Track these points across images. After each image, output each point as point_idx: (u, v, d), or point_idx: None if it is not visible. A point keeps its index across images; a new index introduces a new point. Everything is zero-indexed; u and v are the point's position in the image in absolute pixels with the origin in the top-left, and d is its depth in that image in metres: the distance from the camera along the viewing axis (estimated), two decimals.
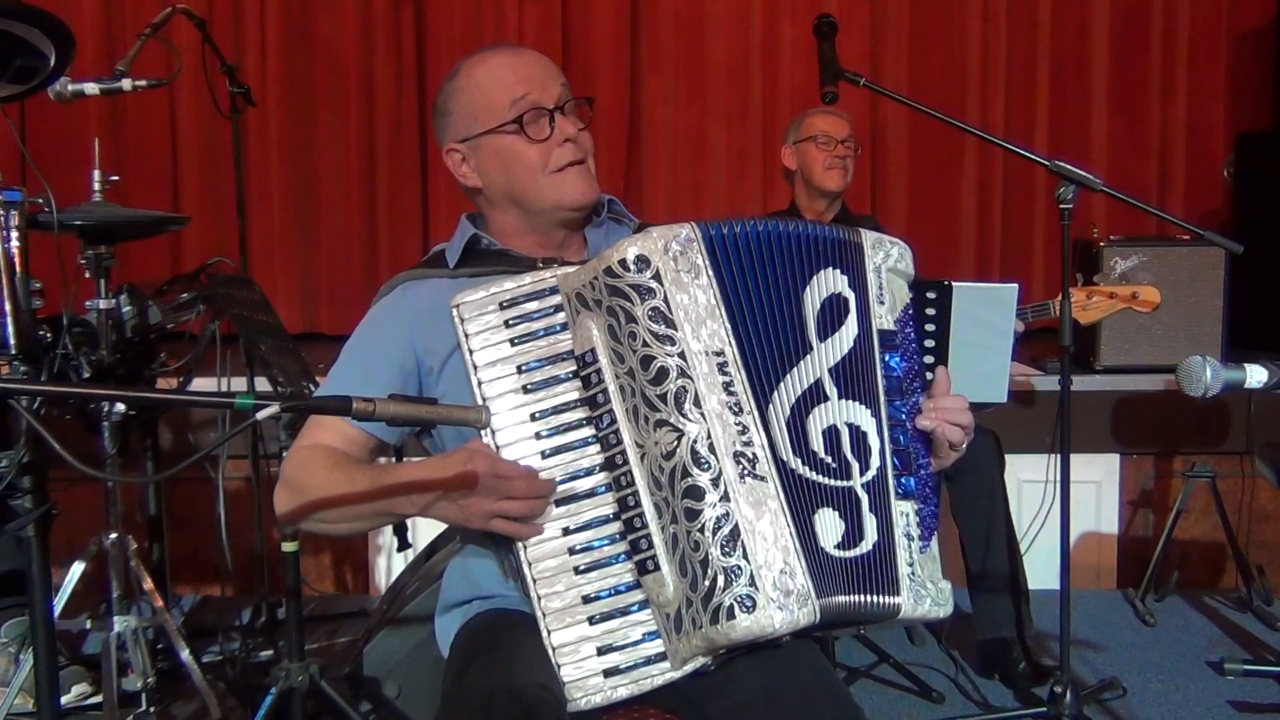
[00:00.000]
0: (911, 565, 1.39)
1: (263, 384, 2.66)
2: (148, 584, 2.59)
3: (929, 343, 1.97)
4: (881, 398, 1.43)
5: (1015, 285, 2.57)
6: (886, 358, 1.45)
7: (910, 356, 1.47)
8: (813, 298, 1.41)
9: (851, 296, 1.43)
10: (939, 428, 1.45)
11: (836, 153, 3.09)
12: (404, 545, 2.05)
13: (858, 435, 1.40)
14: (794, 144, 3.16)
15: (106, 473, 2.57)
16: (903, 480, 1.42)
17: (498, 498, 1.36)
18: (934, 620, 1.41)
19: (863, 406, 1.41)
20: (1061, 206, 2.24)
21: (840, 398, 1.40)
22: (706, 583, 1.28)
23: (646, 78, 4.60)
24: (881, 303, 1.46)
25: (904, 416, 1.44)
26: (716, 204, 4.59)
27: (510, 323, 1.41)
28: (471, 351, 1.41)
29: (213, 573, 3.42)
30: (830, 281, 1.42)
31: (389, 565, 3.58)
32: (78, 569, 2.54)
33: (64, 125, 4.01)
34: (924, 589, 1.39)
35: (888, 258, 1.48)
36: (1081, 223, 3.03)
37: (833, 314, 1.42)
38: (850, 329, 1.42)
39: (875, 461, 1.40)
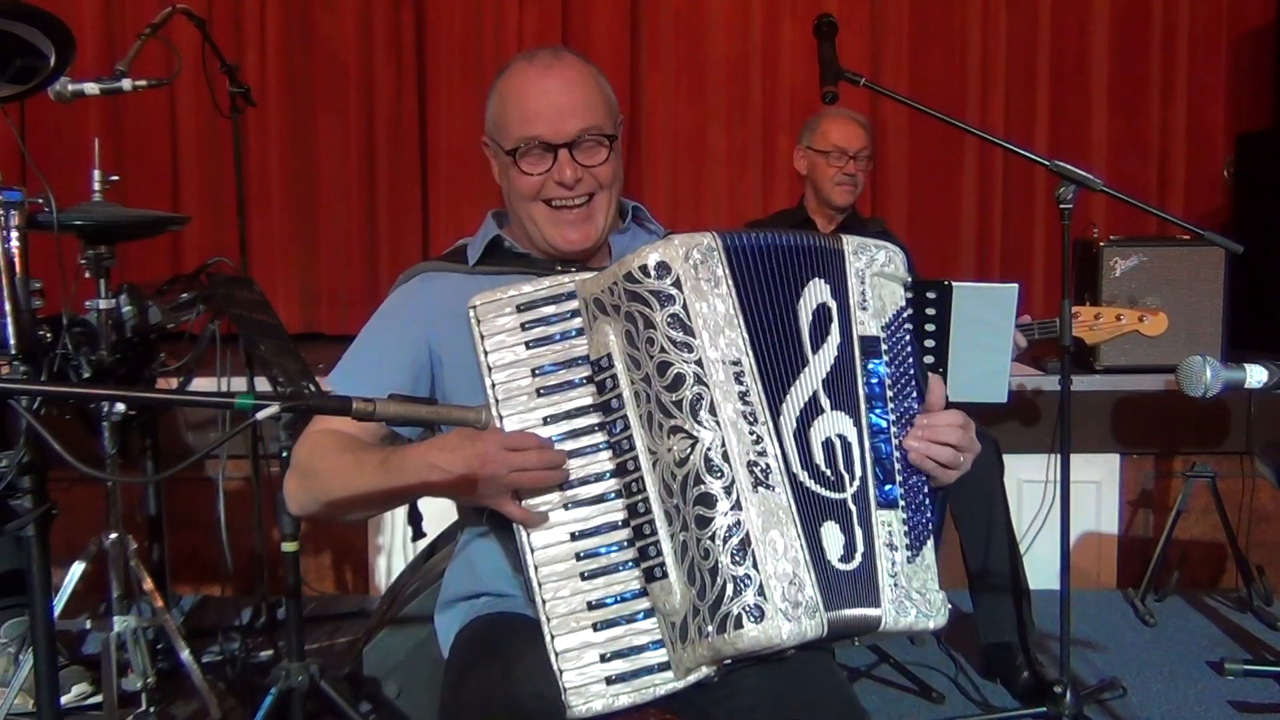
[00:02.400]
0: (894, 576, 1.36)
1: (263, 384, 2.66)
2: (148, 584, 2.58)
3: (929, 342, 1.97)
4: (862, 406, 1.41)
5: (1015, 285, 2.57)
6: (869, 364, 1.42)
7: (901, 363, 1.45)
8: (805, 309, 1.40)
9: (834, 305, 1.42)
10: (922, 449, 1.41)
11: (848, 169, 3.04)
12: (419, 535, 2.04)
13: (846, 446, 1.39)
14: (806, 148, 3.12)
15: (106, 473, 2.57)
16: (885, 489, 1.39)
17: (509, 471, 1.35)
18: (924, 632, 1.38)
19: (847, 416, 1.40)
20: (1061, 206, 2.23)
21: (832, 409, 1.39)
22: (715, 591, 1.27)
23: (646, 78, 4.60)
24: (864, 308, 1.44)
25: (886, 424, 1.42)
26: (716, 204, 4.60)
27: (526, 326, 1.41)
28: (486, 353, 1.40)
29: (213, 573, 3.42)
30: (817, 292, 1.41)
31: (389, 565, 3.58)
32: (78, 569, 2.53)
33: (64, 125, 4.01)
34: (909, 599, 1.36)
35: (873, 262, 1.46)
36: (1081, 223, 3.03)
37: (821, 325, 1.41)
38: (834, 338, 1.41)
39: (858, 472, 1.39)
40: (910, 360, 1.46)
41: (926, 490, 1.43)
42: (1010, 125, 4.58)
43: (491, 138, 1.62)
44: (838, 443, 1.38)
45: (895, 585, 1.36)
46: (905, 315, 1.47)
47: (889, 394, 1.43)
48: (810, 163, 3.11)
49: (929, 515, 1.42)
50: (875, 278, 1.46)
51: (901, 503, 1.40)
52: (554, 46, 1.64)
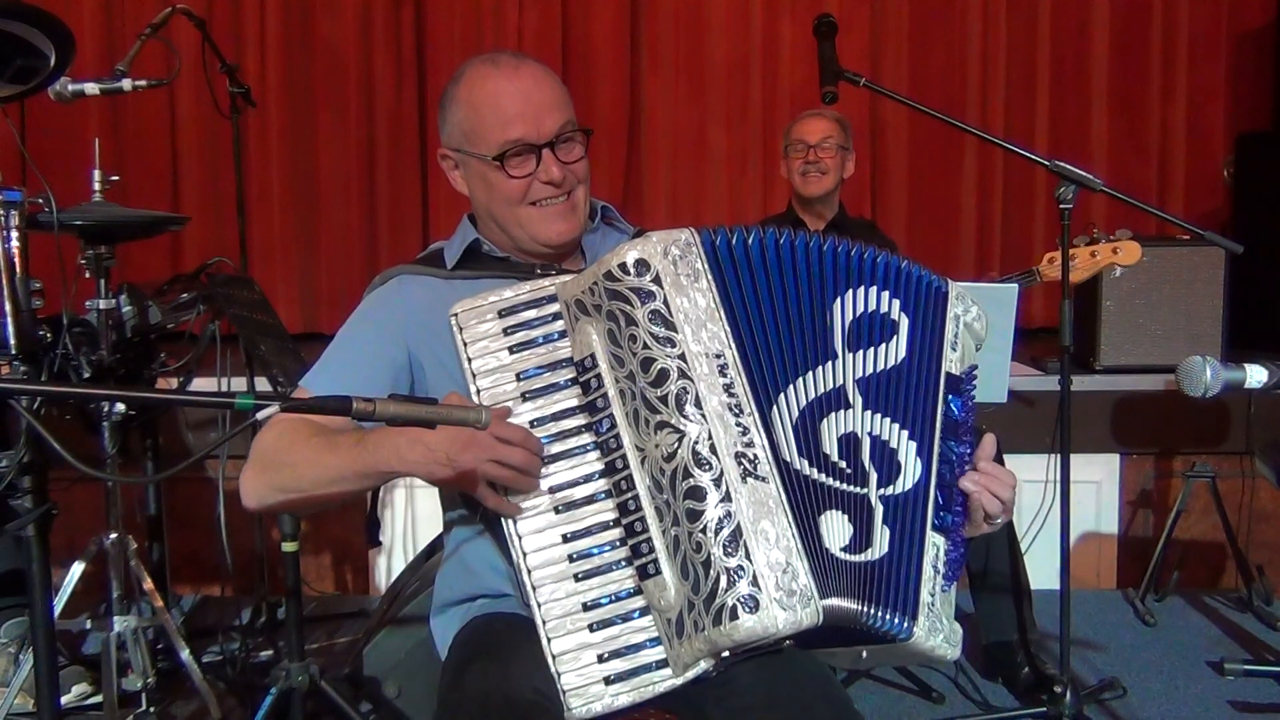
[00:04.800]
0: (933, 597, 1.39)
1: (263, 384, 2.67)
2: (148, 584, 2.58)
3: None
4: (937, 432, 1.44)
5: (1015, 285, 2.57)
6: (949, 398, 1.46)
7: (970, 411, 1.49)
8: (844, 310, 1.42)
9: (904, 321, 1.45)
10: (980, 494, 1.46)
11: (809, 158, 3.11)
12: (374, 543, 2.02)
13: (882, 449, 1.40)
14: (784, 153, 3.21)
15: (106, 473, 2.57)
16: (941, 515, 1.42)
17: (490, 459, 1.35)
18: (941, 659, 1.40)
19: (896, 425, 1.42)
20: (1061, 206, 2.24)
21: (866, 409, 1.40)
22: (709, 584, 1.28)
23: (646, 78, 4.60)
24: (954, 349, 1.49)
25: (954, 458, 1.45)
26: (716, 204, 4.59)
27: (509, 330, 1.42)
28: (470, 359, 1.41)
29: (213, 573, 3.42)
30: (872, 300, 1.44)
31: (389, 565, 3.58)
32: (78, 569, 2.53)
33: (64, 125, 4.01)
34: (940, 623, 1.39)
35: (967, 312, 1.52)
36: (1081, 223, 3.02)
37: (873, 330, 1.43)
38: (897, 350, 1.44)
39: (905, 482, 1.40)
40: (973, 411, 1.50)
41: (962, 531, 1.46)
42: (1010, 125, 4.58)
43: (458, 148, 1.60)
44: (867, 442, 1.40)
45: (932, 607, 1.38)
46: (976, 371, 1.53)
47: (962, 432, 1.47)
48: (785, 164, 3.20)
49: (961, 551, 1.46)
50: (964, 328, 1.52)
51: (951, 531, 1.43)
52: (507, 50, 1.64)
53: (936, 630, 1.38)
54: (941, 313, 1.49)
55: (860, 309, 1.43)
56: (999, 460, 1.52)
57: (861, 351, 1.42)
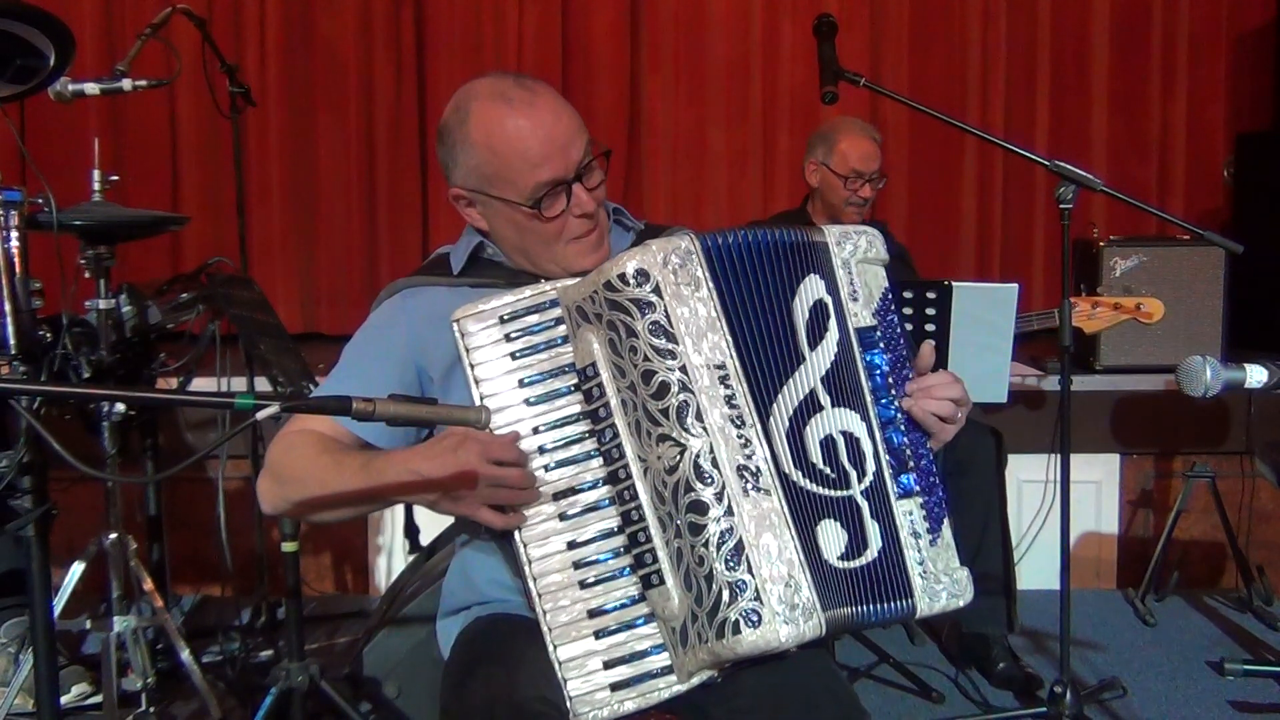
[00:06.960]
0: (922, 564, 1.39)
1: (263, 384, 2.67)
2: (148, 584, 2.58)
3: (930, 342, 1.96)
4: (868, 399, 1.42)
5: (1015, 285, 2.57)
6: (868, 357, 1.43)
7: (894, 347, 1.45)
8: (801, 306, 1.40)
9: (830, 301, 1.42)
10: (917, 407, 1.43)
11: (862, 193, 3.04)
12: (415, 548, 2.03)
13: (852, 442, 1.39)
14: (821, 164, 3.10)
15: (106, 473, 2.57)
16: (901, 480, 1.41)
17: (487, 485, 1.35)
18: (956, 610, 1.41)
19: (852, 412, 1.40)
20: (1061, 206, 2.24)
21: (833, 406, 1.39)
22: (711, 598, 1.28)
23: (646, 78, 4.59)
24: (855, 299, 1.44)
25: (894, 414, 1.43)
26: (717, 205, 4.59)
27: (511, 336, 1.41)
28: (473, 366, 1.41)
29: (213, 573, 3.42)
30: (813, 288, 1.41)
31: (389, 565, 3.58)
32: (78, 569, 2.53)
33: (64, 125, 4.00)
34: (938, 583, 1.39)
35: (856, 250, 1.45)
36: (1081, 223, 3.03)
37: (818, 321, 1.41)
38: (833, 334, 1.41)
39: (871, 466, 1.39)
40: (902, 341, 1.47)
41: (935, 470, 1.45)
42: (1010, 125, 4.58)
43: (480, 191, 1.54)
44: (841, 440, 1.38)
45: (924, 574, 1.39)
46: (890, 296, 1.48)
47: (891, 381, 1.43)
48: (824, 179, 3.10)
49: (940, 493, 1.44)
50: (860, 265, 1.45)
51: (917, 488, 1.41)
52: (513, 75, 1.55)
53: (938, 593, 1.39)
54: (832, 269, 1.44)
55: (810, 301, 1.40)
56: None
57: (818, 347, 1.40)
